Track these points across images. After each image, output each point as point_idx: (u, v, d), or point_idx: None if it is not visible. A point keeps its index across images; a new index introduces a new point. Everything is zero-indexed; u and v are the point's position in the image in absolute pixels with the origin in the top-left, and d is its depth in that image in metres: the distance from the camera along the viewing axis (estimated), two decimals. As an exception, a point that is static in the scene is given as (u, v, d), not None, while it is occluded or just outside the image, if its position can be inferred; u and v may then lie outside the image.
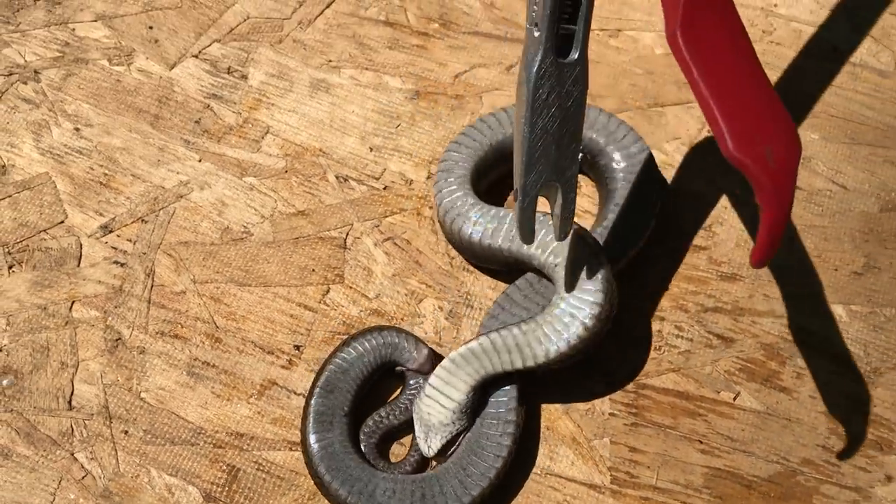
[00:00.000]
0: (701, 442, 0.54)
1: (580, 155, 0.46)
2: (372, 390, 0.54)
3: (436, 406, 0.51)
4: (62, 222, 0.58)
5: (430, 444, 0.51)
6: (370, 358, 0.53)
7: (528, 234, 0.47)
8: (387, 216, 0.59)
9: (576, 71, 0.44)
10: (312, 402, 0.52)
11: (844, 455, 0.54)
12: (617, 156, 0.58)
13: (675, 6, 0.42)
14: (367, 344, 0.53)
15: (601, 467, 0.53)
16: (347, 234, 0.59)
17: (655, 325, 0.57)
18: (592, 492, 0.52)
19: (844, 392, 0.56)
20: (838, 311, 0.58)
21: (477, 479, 0.50)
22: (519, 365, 0.51)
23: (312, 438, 0.51)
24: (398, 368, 0.53)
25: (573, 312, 0.51)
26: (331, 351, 0.54)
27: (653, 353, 0.56)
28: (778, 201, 0.42)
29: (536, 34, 0.43)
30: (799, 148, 0.43)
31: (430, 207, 0.60)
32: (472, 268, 0.58)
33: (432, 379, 0.51)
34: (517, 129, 0.46)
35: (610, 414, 0.54)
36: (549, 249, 0.52)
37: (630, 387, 0.55)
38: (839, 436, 0.54)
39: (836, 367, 0.56)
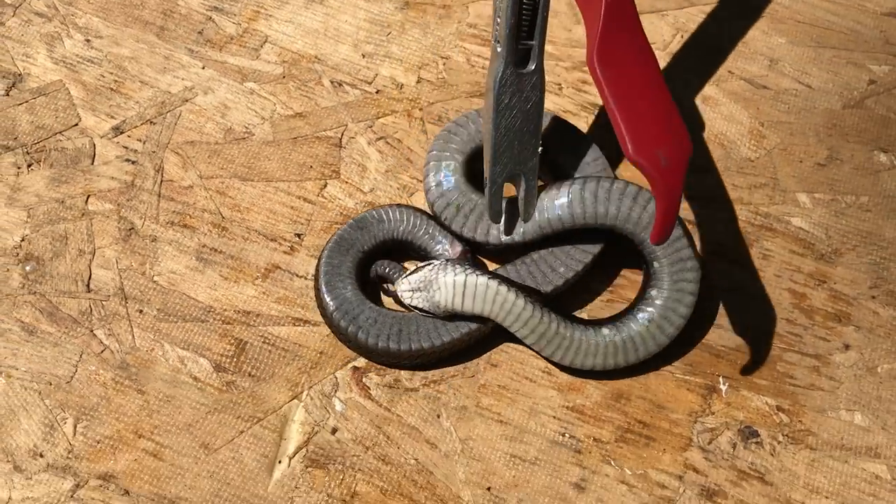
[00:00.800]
0: (673, 316, 0.58)
1: (540, 148, 0.55)
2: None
3: (445, 301, 0.55)
4: (76, 125, 0.62)
5: (411, 298, 0.55)
6: (404, 227, 0.58)
7: (495, 216, 0.56)
8: (379, 118, 0.63)
9: (534, 79, 0.53)
10: (340, 231, 0.58)
11: (806, 327, 0.58)
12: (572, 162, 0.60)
13: (593, 36, 0.51)
14: (413, 217, 0.58)
15: (580, 339, 0.57)
16: (342, 134, 0.63)
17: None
18: (572, 361, 0.57)
19: (807, 271, 0.60)
20: (802, 198, 0.62)
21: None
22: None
23: (325, 254, 0.57)
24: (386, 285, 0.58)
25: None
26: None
27: (629, 238, 0.60)
28: (668, 194, 0.50)
29: (499, 50, 0.52)
30: (687, 150, 0.51)
31: (420, 109, 0.64)
32: (459, 162, 0.62)
33: (467, 298, 0.55)
34: (485, 128, 0.55)
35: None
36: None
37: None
38: (801, 310, 0.59)
39: (800, 249, 0.61)
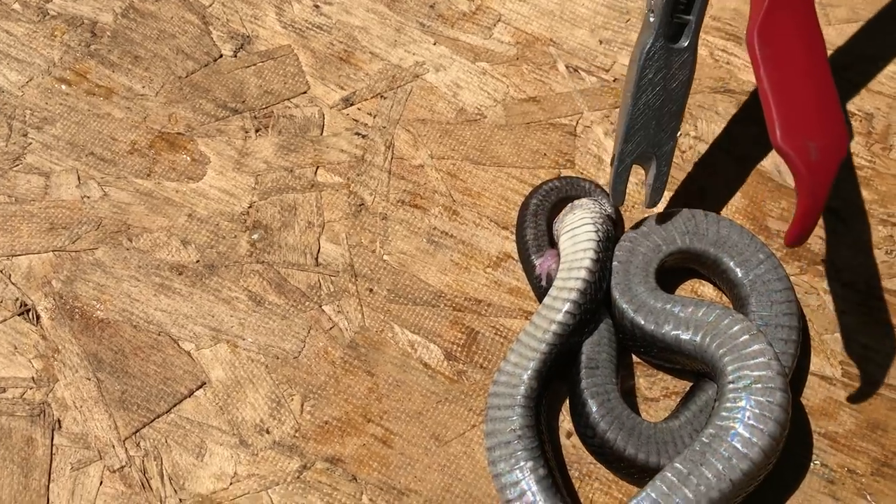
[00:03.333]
0: (934, 344, 0.54)
1: (679, 133, 0.51)
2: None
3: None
4: (305, 92, 0.60)
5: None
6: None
7: (619, 197, 0.52)
8: (616, 107, 0.60)
9: (684, 56, 0.50)
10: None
11: None
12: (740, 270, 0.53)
13: (758, 9, 0.47)
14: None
15: (832, 361, 0.53)
16: (577, 122, 0.60)
17: (886, 230, 0.56)
18: (823, 382, 0.53)
19: None
20: None
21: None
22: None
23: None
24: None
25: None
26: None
27: (884, 257, 0.56)
28: (813, 193, 0.46)
29: (651, 19, 0.49)
30: (844, 147, 0.46)
31: (660, 102, 0.60)
32: (704, 162, 0.58)
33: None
34: (623, 101, 0.52)
35: (842, 311, 0.54)
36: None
37: (862, 287, 0.55)
38: None
39: None
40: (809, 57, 0.47)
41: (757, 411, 0.45)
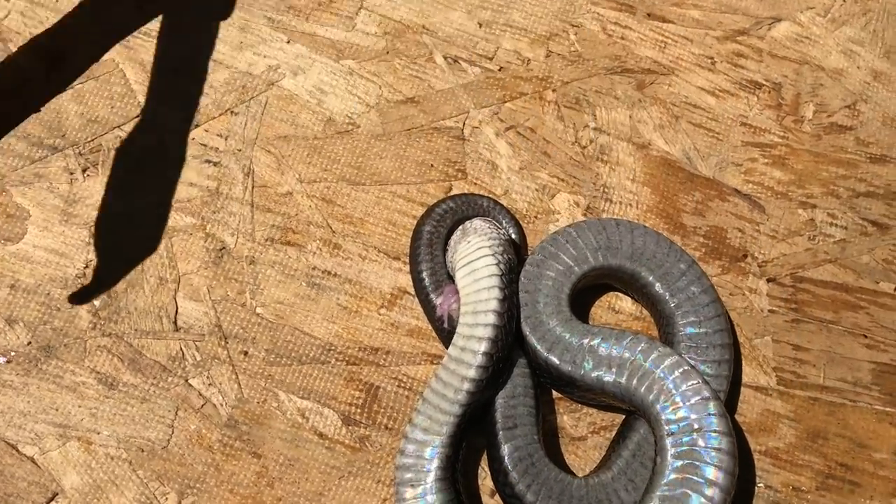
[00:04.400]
0: (865, 336, 0.50)
1: None
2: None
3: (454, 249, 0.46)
4: (138, 117, 0.50)
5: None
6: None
7: None
8: (505, 101, 0.53)
9: None
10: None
11: None
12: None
13: None
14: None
15: (766, 368, 0.49)
16: (464, 124, 0.52)
17: (807, 214, 0.52)
18: (758, 394, 0.49)
19: None
20: None
21: None
22: None
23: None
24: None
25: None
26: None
27: (807, 244, 0.52)
28: None
29: None
30: None
31: (553, 91, 0.53)
32: (607, 157, 0.52)
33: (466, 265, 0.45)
34: None
35: (769, 311, 0.50)
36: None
37: (787, 280, 0.51)
38: None
39: None
40: None
41: (707, 467, 0.40)
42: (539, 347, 0.44)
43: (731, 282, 0.50)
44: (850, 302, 0.51)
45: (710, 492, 0.40)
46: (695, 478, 0.41)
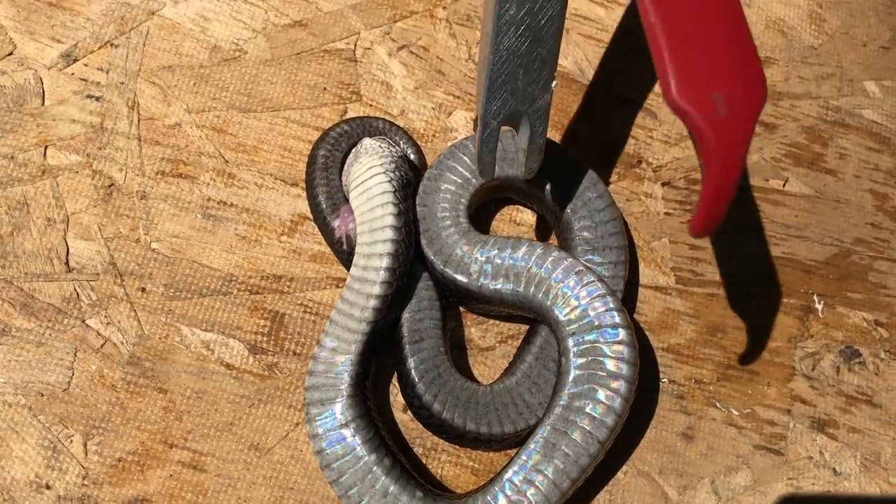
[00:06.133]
0: (757, 232, 0.52)
1: (554, 83, 0.41)
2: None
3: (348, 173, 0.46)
4: (11, 54, 0.48)
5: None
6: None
7: (487, 169, 0.42)
8: (396, 21, 0.52)
9: None
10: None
11: (892, 230, 0.53)
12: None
13: None
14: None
15: (664, 269, 0.50)
16: (356, 45, 0.51)
17: (697, 118, 0.53)
18: (658, 293, 0.50)
19: (886, 169, 0.54)
20: (871, 87, 0.56)
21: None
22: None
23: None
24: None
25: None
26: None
27: (698, 147, 0.53)
28: (724, 160, 0.35)
29: None
30: (761, 96, 0.36)
31: (444, 8, 0.53)
32: (500, 71, 0.52)
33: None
34: (481, 48, 0.41)
35: (665, 213, 0.51)
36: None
37: (681, 183, 0.52)
38: (886, 212, 0.54)
39: (876, 145, 0.55)
40: None
41: (608, 361, 0.41)
42: (436, 261, 0.44)
43: (628, 188, 0.51)
44: (743, 200, 0.52)
45: (615, 384, 0.42)
46: (599, 372, 0.42)
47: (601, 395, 0.41)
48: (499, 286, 0.43)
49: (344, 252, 0.45)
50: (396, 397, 0.46)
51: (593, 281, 0.42)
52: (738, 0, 0.36)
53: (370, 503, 0.40)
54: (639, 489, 0.46)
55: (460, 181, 0.46)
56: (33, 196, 0.45)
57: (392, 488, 0.40)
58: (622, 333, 0.41)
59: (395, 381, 0.46)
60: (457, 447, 0.45)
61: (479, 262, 0.44)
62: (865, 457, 0.49)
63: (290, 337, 0.46)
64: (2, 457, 0.42)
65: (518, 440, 0.43)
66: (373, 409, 0.43)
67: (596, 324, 0.42)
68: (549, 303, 0.42)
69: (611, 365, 0.41)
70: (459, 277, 0.44)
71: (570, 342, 0.42)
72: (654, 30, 0.35)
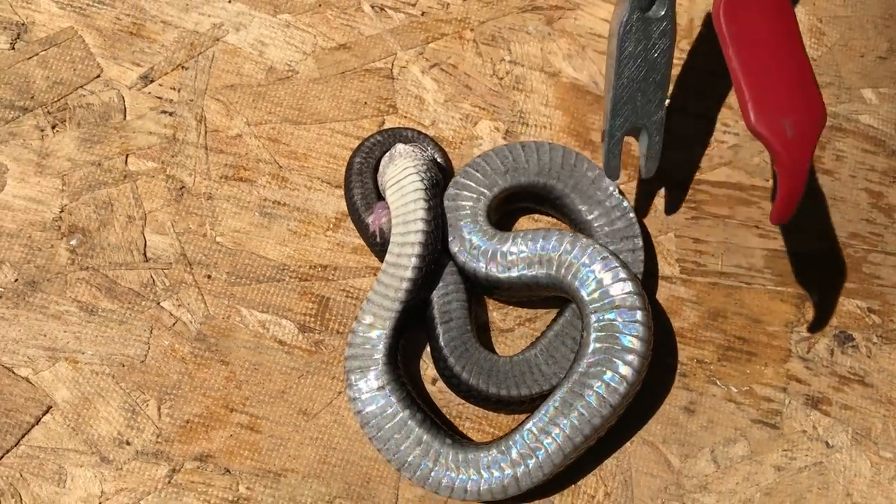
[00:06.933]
0: (757, 227, 0.57)
1: (667, 101, 0.53)
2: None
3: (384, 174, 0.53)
4: (98, 76, 0.56)
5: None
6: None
7: (613, 172, 0.52)
8: (429, 42, 0.59)
9: (662, 25, 0.50)
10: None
11: (886, 226, 0.58)
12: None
13: None
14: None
15: (669, 260, 0.56)
16: (393, 64, 0.58)
17: (702, 125, 0.59)
18: (664, 282, 0.55)
19: (881, 169, 0.59)
20: (868, 94, 0.60)
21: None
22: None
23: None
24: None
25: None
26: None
27: (702, 151, 0.58)
28: (793, 171, 0.46)
29: None
30: (821, 121, 0.46)
31: (471, 30, 0.59)
32: (522, 86, 0.58)
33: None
34: (606, 76, 0.52)
35: (671, 211, 0.57)
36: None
37: (687, 184, 0.57)
38: (880, 209, 0.58)
39: (872, 147, 0.59)
40: (778, 29, 0.47)
41: (625, 337, 0.47)
42: (468, 260, 0.50)
43: (636, 187, 0.57)
44: (743, 198, 0.57)
45: (629, 357, 0.47)
46: (615, 346, 0.47)
47: (617, 365, 0.47)
48: (534, 272, 0.49)
49: (377, 244, 0.52)
50: (425, 371, 0.52)
51: (616, 267, 0.48)
52: (801, 41, 0.47)
53: (407, 450, 0.46)
54: (644, 456, 0.52)
55: (476, 195, 0.52)
56: (116, 197, 0.53)
57: (425, 437, 0.47)
58: (639, 314, 0.47)
59: (425, 356, 0.52)
60: (479, 415, 0.51)
61: (508, 254, 0.50)
62: (857, 431, 0.53)
63: (333, 318, 0.52)
64: (90, 417, 0.49)
65: (534, 404, 0.49)
66: (403, 375, 0.49)
67: (616, 304, 0.47)
68: (576, 284, 0.48)
69: (627, 341, 0.47)
70: (494, 271, 0.50)
71: (592, 318, 0.48)
72: (736, 71, 0.46)
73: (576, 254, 0.49)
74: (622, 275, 0.48)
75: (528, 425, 0.47)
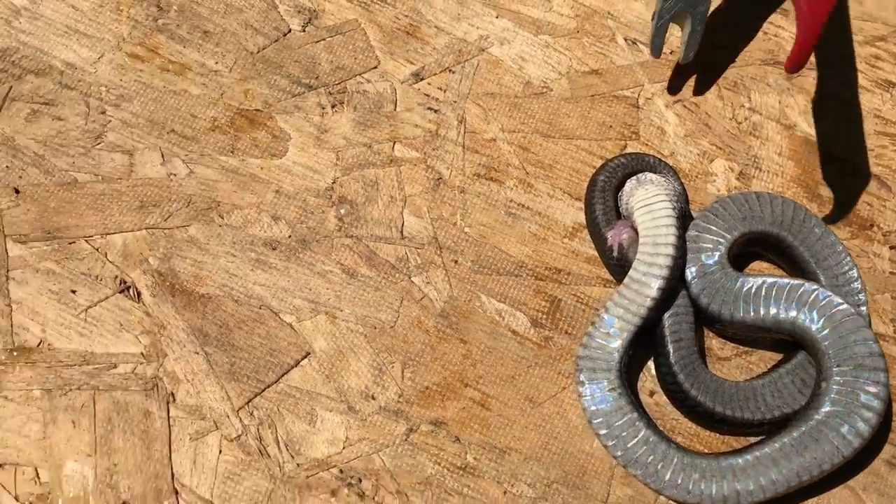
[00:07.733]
0: (971, 300, 0.59)
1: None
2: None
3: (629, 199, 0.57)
4: (375, 68, 0.61)
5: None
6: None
7: (657, 49, 0.59)
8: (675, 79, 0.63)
9: None
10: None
11: None
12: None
13: None
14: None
15: (884, 319, 0.58)
16: (639, 95, 0.62)
17: None
18: (879, 340, 0.57)
19: None
20: None
21: None
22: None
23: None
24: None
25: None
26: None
27: (924, 220, 0.61)
28: (810, 23, 0.51)
29: None
30: None
31: (714, 74, 0.63)
32: (758, 133, 0.62)
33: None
34: None
35: (890, 272, 0.59)
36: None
37: (906, 248, 0.60)
38: None
39: None
40: None
41: (865, 395, 0.51)
42: (701, 292, 0.54)
43: (859, 245, 0.59)
44: (959, 270, 0.59)
45: (868, 414, 0.51)
46: (855, 402, 0.51)
47: (855, 420, 0.51)
48: (777, 317, 0.53)
49: (613, 258, 0.56)
50: (644, 384, 0.55)
51: (863, 327, 0.51)
52: None
53: (634, 447, 0.50)
54: (843, 499, 0.54)
55: (715, 240, 0.56)
56: (382, 178, 0.58)
57: (652, 437, 0.50)
58: (881, 375, 0.50)
59: (644, 371, 0.56)
60: (692, 431, 0.54)
61: (750, 296, 0.53)
62: None
63: (563, 319, 0.56)
64: (343, 369, 0.54)
65: (752, 429, 0.52)
66: (626, 385, 0.53)
67: (859, 362, 0.51)
68: (820, 337, 0.52)
69: (866, 398, 0.50)
70: (737, 312, 0.54)
71: (834, 371, 0.51)
72: None
73: (823, 308, 0.52)
74: (867, 335, 0.52)
75: (759, 451, 0.50)
